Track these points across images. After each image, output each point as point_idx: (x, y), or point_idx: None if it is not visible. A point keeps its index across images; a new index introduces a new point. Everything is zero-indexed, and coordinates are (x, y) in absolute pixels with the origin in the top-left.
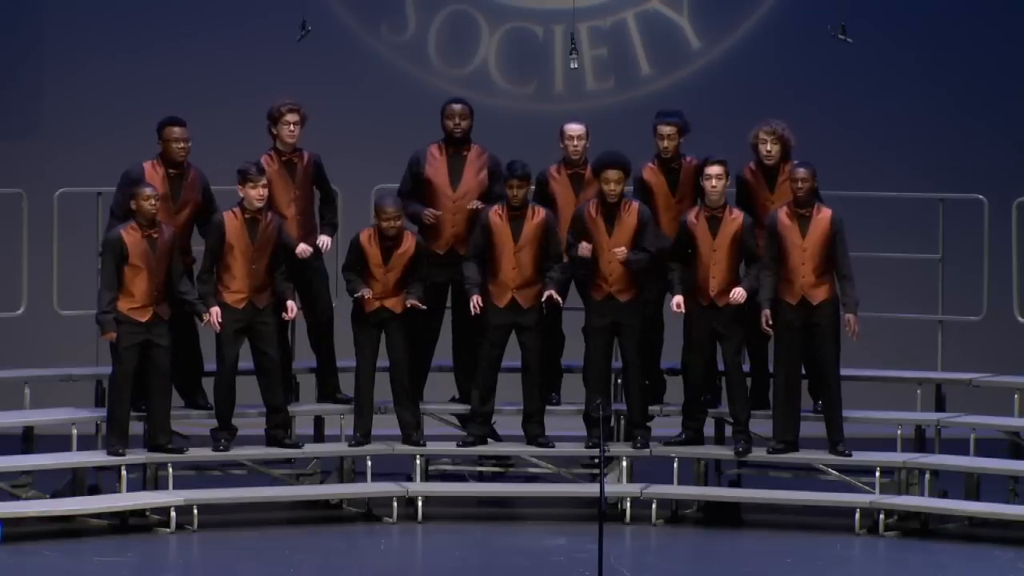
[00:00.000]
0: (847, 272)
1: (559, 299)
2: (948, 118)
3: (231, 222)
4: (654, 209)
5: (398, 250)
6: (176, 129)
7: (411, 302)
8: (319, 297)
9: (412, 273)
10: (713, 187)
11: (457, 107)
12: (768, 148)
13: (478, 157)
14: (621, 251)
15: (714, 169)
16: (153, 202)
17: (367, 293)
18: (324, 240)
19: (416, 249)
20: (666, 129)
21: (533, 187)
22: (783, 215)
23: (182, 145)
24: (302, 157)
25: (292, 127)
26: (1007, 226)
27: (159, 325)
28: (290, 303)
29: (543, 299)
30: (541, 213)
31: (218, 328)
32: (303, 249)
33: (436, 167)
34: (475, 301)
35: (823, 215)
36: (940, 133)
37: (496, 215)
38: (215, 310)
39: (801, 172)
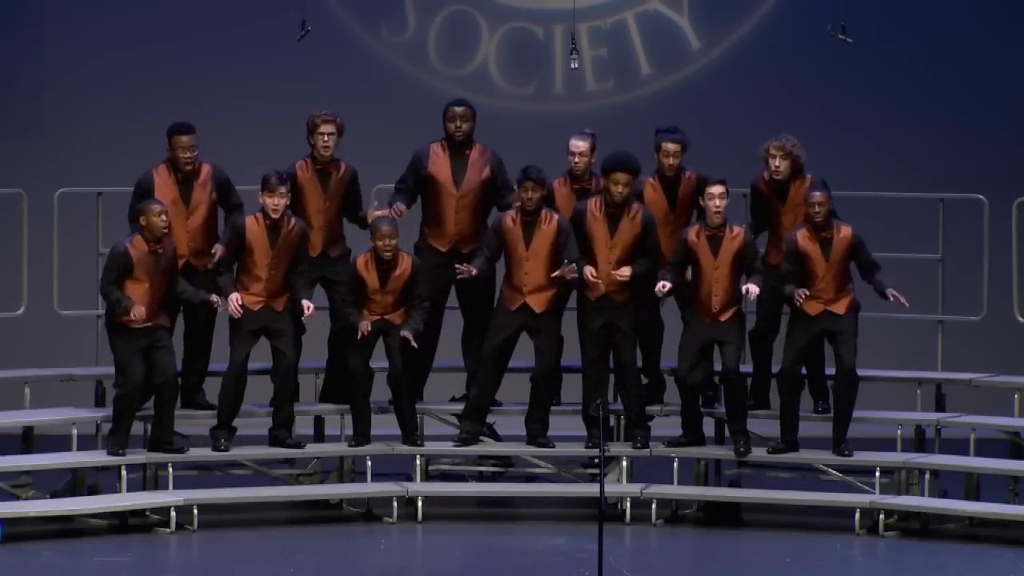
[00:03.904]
0: (876, 265)
1: (574, 271)
2: (948, 118)
3: (252, 227)
4: None
5: (395, 272)
6: (183, 138)
7: (404, 333)
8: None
9: (410, 293)
10: (716, 207)
11: (459, 109)
12: (777, 163)
13: (480, 155)
14: (625, 271)
15: (717, 189)
16: (164, 218)
17: (366, 327)
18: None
19: (412, 270)
20: (672, 147)
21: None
22: (803, 239)
23: (188, 155)
24: (339, 167)
25: (327, 138)
26: (1007, 226)
27: (159, 330)
28: (305, 302)
29: (554, 275)
30: (554, 219)
31: (239, 314)
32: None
33: (439, 165)
34: (465, 268)
35: (844, 235)
36: (940, 133)
37: (510, 219)
38: (235, 296)
39: (817, 196)
